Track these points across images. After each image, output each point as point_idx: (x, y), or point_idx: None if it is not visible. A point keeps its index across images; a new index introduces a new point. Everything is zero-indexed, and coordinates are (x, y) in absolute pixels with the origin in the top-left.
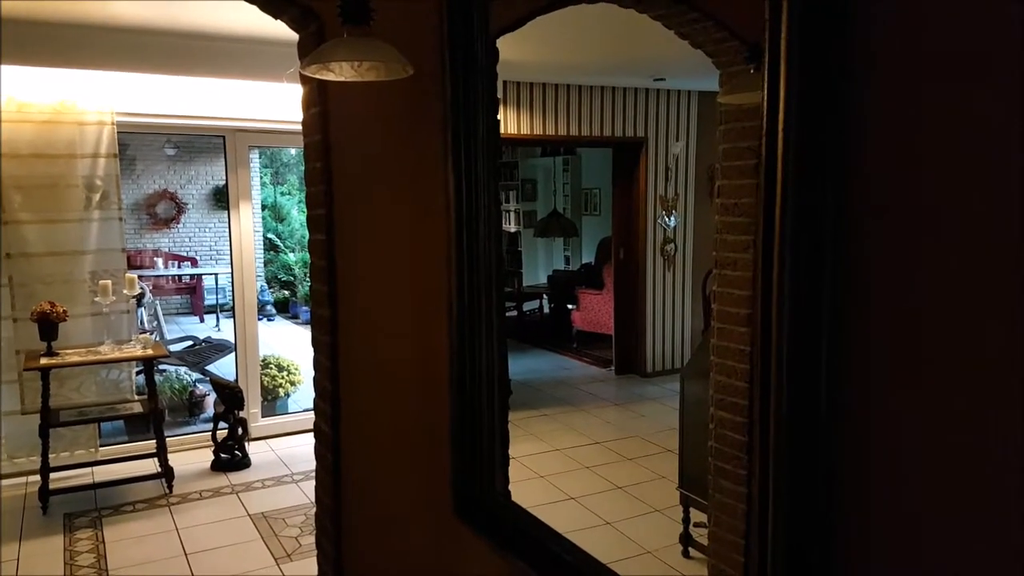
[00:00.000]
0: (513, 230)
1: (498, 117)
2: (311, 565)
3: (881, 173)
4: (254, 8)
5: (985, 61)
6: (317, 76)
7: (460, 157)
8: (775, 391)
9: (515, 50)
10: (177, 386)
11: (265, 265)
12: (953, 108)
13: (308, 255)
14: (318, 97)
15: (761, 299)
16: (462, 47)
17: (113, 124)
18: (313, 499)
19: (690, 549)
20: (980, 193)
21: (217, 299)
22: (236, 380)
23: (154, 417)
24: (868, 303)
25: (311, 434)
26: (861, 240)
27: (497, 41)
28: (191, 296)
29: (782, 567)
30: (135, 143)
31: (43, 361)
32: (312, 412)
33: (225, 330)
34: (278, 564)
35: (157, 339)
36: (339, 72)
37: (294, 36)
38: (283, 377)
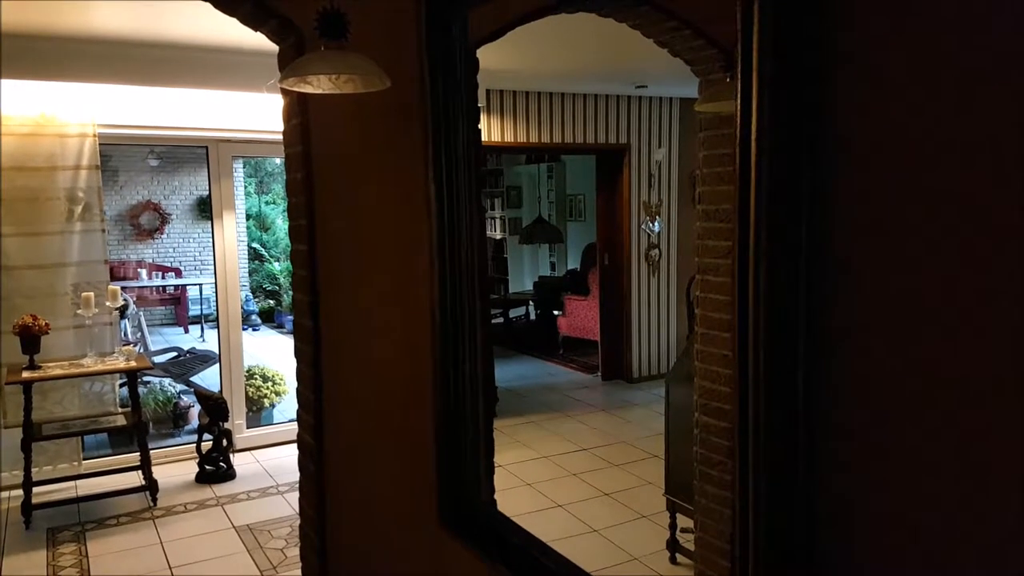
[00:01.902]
0: (498, 237)
1: (480, 126)
2: None
3: (856, 178)
4: (235, 20)
5: (959, 67)
6: (295, 89)
7: (441, 167)
8: (753, 396)
9: (498, 59)
10: (161, 398)
11: (250, 275)
12: (925, 115)
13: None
14: (298, 108)
15: (738, 305)
16: (441, 59)
17: (95, 136)
18: (298, 510)
19: (677, 555)
20: (955, 197)
21: (202, 309)
22: (220, 391)
23: (138, 430)
24: (844, 307)
25: (296, 445)
26: (836, 246)
27: (478, 51)
28: (175, 307)
29: (766, 573)
30: (118, 154)
31: (25, 375)
32: (296, 423)
33: (210, 341)
34: None
35: (141, 351)
36: (317, 85)
37: (275, 47)
38: (268, 387)
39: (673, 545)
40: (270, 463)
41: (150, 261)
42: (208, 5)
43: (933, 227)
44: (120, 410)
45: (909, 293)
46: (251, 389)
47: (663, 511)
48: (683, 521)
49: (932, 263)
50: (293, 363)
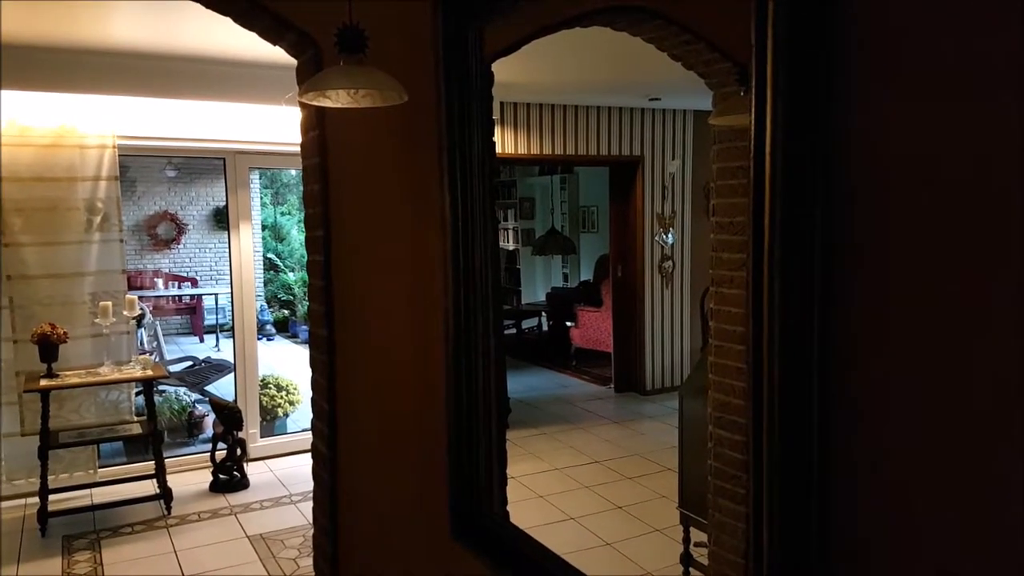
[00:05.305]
0: (511, 248)
1: (494, 139)
2: None
3: (867, 193)
4: (253, 33)
5: (966, 82)
6: (314, 103)
7: (455, 179)
8: (767, 409)
9: (512, 72)
10: (176, 407)
11: (265, 285)
12: (933, 129)
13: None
14: (316, 121)
15: (753, 317)
16: (457, 73)
17: (114, 147)
18: (311, 520)
19: (691, 569)
20: (960, 208)
21: (217, 319)
22: (235, 400)
23: (153, 438)
24: (860, 318)
25: (310, 454)
26: (852, 257)
27: (493, 64)
28: (191, 316)
29: None
30: (136, 165)
31: (43, 383)
32: (311, 432)
33: (225, 350)
34: None
35: (157, 360)
36: (335, 99)
37: (293, 60)
38: (282, 397)
39: (687, 559)
40: (283, 472)
41: (167, 271)
42: (227, 19)
43: (947, 234)
44: (136, 419)
45: (925, 304)
46: (265, 399)
47: (676, 525)
48: (697, 535)
49: (949, 272)
50: (307, 373)
